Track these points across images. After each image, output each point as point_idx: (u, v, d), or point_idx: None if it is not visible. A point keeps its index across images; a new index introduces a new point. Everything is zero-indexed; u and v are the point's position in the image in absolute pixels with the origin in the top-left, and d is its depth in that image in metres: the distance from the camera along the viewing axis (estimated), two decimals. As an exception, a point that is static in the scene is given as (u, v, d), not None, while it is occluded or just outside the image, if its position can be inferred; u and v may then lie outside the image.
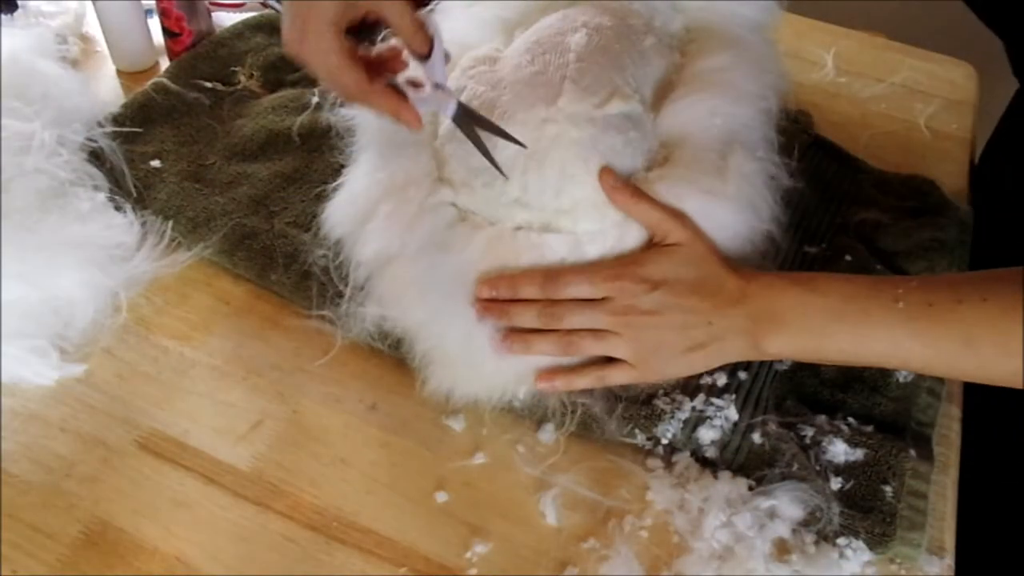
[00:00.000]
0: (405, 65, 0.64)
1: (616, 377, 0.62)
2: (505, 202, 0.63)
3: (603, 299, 0.60)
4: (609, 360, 0.62)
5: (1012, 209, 0.80)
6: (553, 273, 0.61)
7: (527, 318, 0.61)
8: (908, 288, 0.56)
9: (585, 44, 0.66)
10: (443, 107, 0.62)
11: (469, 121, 0.62)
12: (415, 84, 0.63)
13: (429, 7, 0.78)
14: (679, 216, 0.61)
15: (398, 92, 0.61)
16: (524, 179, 0.63)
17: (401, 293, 0.63)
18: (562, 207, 0.62)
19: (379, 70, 0.62)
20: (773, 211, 0.65)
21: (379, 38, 0.64)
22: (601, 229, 0.62)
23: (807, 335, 0.58)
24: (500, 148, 0.63)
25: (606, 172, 0.62)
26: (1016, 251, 0.76)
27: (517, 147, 0.62)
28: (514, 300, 0.61)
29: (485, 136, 0.62)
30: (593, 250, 0.62)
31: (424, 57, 0.61)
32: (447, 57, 0.62)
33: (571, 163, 0.62)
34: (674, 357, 0.61)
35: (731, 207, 0.62)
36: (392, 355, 0.65)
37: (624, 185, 0.61)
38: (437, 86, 0.62)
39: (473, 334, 0.62)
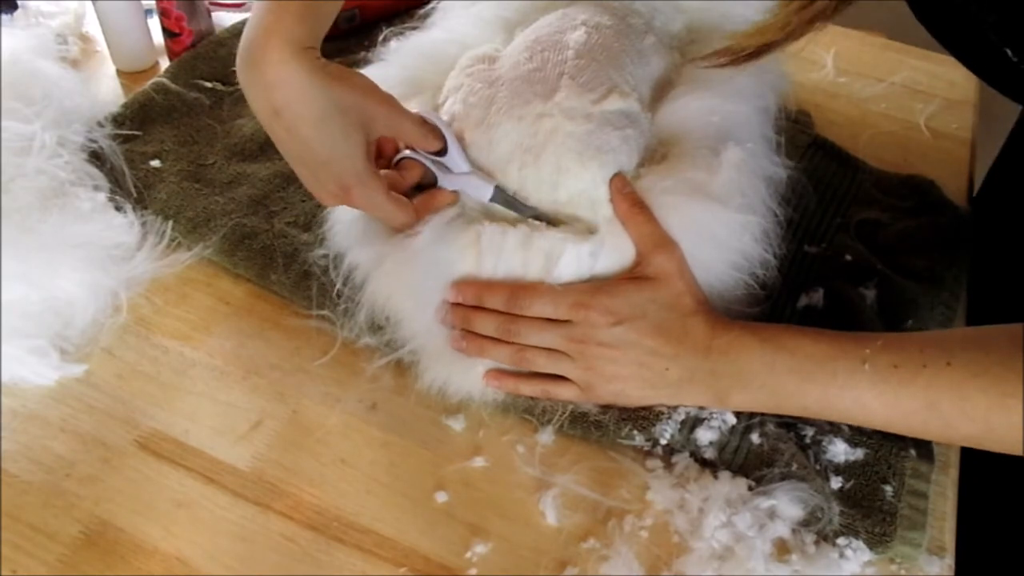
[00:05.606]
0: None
1: (561, 394, 0.62)
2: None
3: (565, 320, 0.60)
4: (560, 375, 0.62)
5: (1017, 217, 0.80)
6: (519, 289, 0.61)
7: (487, 327, 0.62)
8: (875, 348, 0.56)
9: (584, 42, 0.66)
10: (478, 192, 0.63)
11: (506, 200, 0.63)
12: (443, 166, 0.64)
13: (428, 7, 0.78)
14: (669, 245, 0.60)
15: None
16: (521, 174, 0.63)
17: (395, 288, 0.63)
18: (558, 200, 0.63)
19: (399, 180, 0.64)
20: (767, 204, 0.64)
21: None
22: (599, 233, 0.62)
23: (771, 393, 0.59)
24: (498, 141, 0.63)
25: (620, 177, 0.62)
26: (1016, 252, 0.76)
27: (515, 140, 0.63)
28: (479, 307, 0.62)
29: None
30: (576, 258, 0.61)
31: (440, 153, 0.63)
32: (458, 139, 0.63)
33: (566, 157, 0.62)
34: (624, 391, 0.61)
35: (719, 200, 0.61)
36: (389, 353, 0.65)
37: (632, 194, 0.61)
38: (464, 174, 0.63)
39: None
